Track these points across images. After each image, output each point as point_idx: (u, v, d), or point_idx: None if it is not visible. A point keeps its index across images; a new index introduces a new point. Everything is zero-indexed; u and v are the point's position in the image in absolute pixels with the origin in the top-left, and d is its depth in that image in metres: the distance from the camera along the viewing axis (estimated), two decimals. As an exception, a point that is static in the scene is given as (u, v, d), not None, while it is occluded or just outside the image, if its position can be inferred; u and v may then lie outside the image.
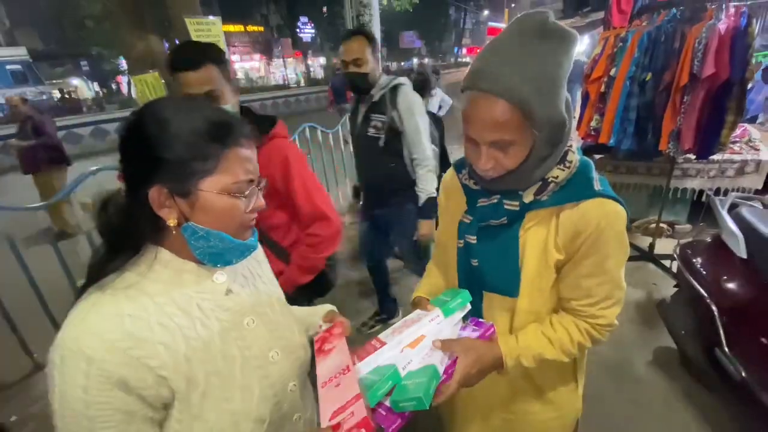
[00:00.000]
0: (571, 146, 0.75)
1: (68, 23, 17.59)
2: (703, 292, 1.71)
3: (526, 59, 0.63)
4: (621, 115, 2.57)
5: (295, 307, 0.90)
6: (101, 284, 0.56)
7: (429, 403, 0.61)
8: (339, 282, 3.02)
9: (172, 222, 0.56)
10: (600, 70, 2.70)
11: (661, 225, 3.09)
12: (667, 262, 2.82)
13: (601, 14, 6.22)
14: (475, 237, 0.82)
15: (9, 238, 2.04)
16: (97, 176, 2.15)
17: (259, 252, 0.81)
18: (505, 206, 0.76)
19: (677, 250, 2.03)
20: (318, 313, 0.88)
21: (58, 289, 2.09)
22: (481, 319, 0.83)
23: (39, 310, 2.13)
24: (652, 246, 2.98)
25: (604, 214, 0.71)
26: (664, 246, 2.95)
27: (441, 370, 0.68)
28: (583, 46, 9.60)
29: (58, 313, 2.18)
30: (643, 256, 2.99)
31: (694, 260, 1.88)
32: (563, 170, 0.73)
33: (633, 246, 3.14)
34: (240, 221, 0.61)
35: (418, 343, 0.72)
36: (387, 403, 0.64)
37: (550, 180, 0.73)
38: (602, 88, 2.69)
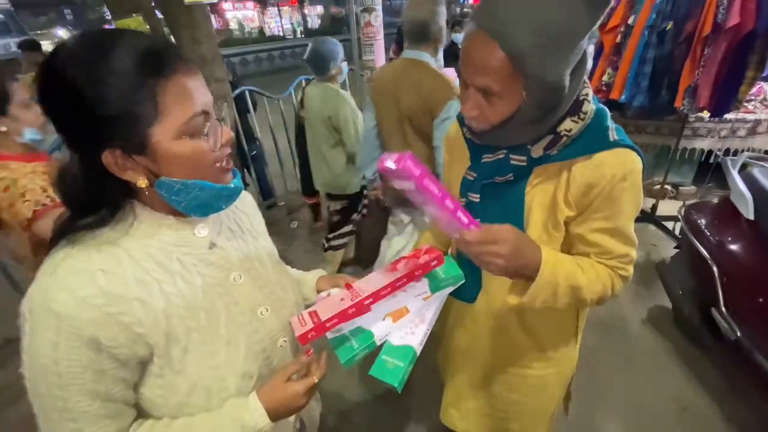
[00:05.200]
0: (587, 95, 0.68)
1: (47, -34, 16.40)
2: (704, 252, 1.70)
3: (539, 4, 0.55)
4: (636, 68, 2.43)
5: (289, 267, 0.88)
6: (71, 239, 0.52)
7: (401, 389, 0.65)
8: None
9: (142, 183, 0.51)
10: (617, 19, 2.51)
11: (666, 186, 3.04)
12: (669, 224, 2.80)
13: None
14: (478, 195, 0.77)
15: None
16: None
17: (249, 204, 0.77)
18: (512, 161, 0.71)
19: (682, 211, 1.99)
20: (307, 281, 0.85)
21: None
22: None
23: (37, 265, 2.13)
24: (654, 207, 2.94)
25: (620, 165, 0.66)
26: (667, 208, 2.92)
27: (419, 350, 0.69)
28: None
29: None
30: (645, 217, 2.96)
31: (698, 221, 1.86)
32: (577, 122, 0.66)
33: (635, 207, 3.11)
34: (212, 161, 0.55)
35: (400, 316, 0.71)
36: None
37: (562, 133, 0.67)
38: (618, 39, 2.53)
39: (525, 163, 0.70)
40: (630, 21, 2.44)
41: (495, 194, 0.75)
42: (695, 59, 2.21)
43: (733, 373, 1.65)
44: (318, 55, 1.96)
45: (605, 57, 2.66)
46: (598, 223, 0.70)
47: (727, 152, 2.96)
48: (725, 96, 2.28)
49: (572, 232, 0.74)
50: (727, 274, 1.61)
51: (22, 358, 0.50)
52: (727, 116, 2.73)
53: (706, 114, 2.68)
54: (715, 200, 1.92)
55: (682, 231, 1.97)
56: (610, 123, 0.69)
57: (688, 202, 2.05)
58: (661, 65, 2.38)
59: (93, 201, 0.53)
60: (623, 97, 2.54)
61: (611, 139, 0.67)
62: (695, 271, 1.81)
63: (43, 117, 1.23)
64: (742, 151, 2.90)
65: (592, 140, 0.67)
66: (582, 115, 0.67)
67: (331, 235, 2.38)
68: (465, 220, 0.60)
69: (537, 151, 0.69)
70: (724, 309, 1.57)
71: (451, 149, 0.88)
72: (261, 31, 20.99)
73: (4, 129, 1.16)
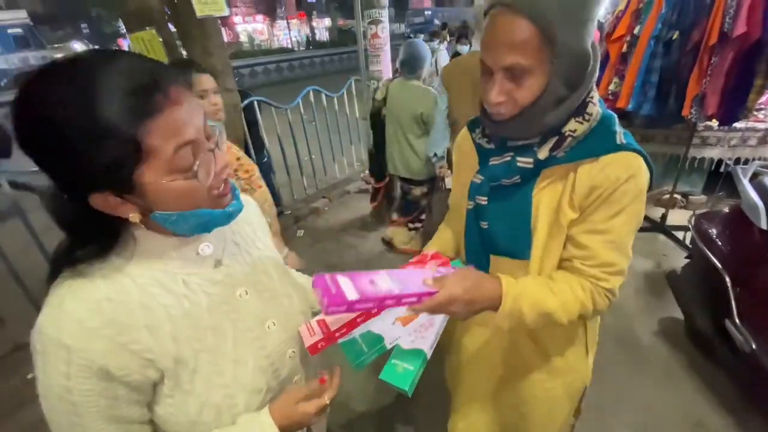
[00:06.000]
0: (592, 98, 0.69)
1: (65, -18, 16.94)
2: (716, 262, 1.67)
3: None
4: (643, 77, 2.43)
5: (296, 273, 0.87)
6: (75, 270, 0.51)
7: (411, 393, 0.63)
8: (349, 251, 3.04)
9: (135, 218, 0.49)
10: (623, 29, 2.52)
11: (675, 196, 3.00)
12: (679, 234, 2.76)
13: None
14: (485, 198, 0.78)
15: (14, 202, 2.03)
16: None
17: (252, 212, 0.76)
18: (518, 164, 0.71)
19: (692, 221, 1.97)
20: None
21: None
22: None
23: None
24: (664, 217, 2.91)
25: (625, 167, 0.66)
26: (677, 217, 2.88)
27: (429, 354, 0.68)
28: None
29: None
30: (654, 227, 2.92)
31: (709, 231, 1.83)
32: (582, 123, 0.67)
33: (645, 217, 3.07)
34: (206, 193, 0.52)
35: (410, 320, 0.71)
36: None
37: (567, 134, 0.67)
38: (624, 48, 2.54)
39: (532, 165, 0.70)
40: (636, 31, 2.45)
41: (503, 197, 0.76)
42: (702, 68, 2.21)
43: (749, 387, 1.60)
44: (414, 56, 2.20)
45: (611, 66, 2.67)
46: (592, 224, 0.69)
47: (737, 161, 2.92)
48: (733, 105, 2.26)
49: (567, 234, 0.73)
50: (741, 284, 1.58)
51: (38, 389, 0.51)
52: (737, 125, 2.71)
53: (715, 123, 2.66)
54: (726, 209, 1.89)
55: (692, 241, 1.95)
56: (618, 128, 0.70)
57: (698, 212, 2.03)
58: (667, 74, 2.38)
59: (88, 231, 0.51)
60: (630, 105, 2.54)
61: (618, 142, 0.67)
62: (707, 281, 1.78)
63: (218, 107, 1.35)
64: (753, 160, 2.87)
65: (599, 143, 0.68)
66: (587, 117, 0.67)
67: (417, 217, 2.66)
68: (414, 299, 0.61)
69: (543, 153, 0.69)
70: (738, 320, 1.53)
71: (461, 154, 0.89)
72: (308, 38, 21.04)
73: None
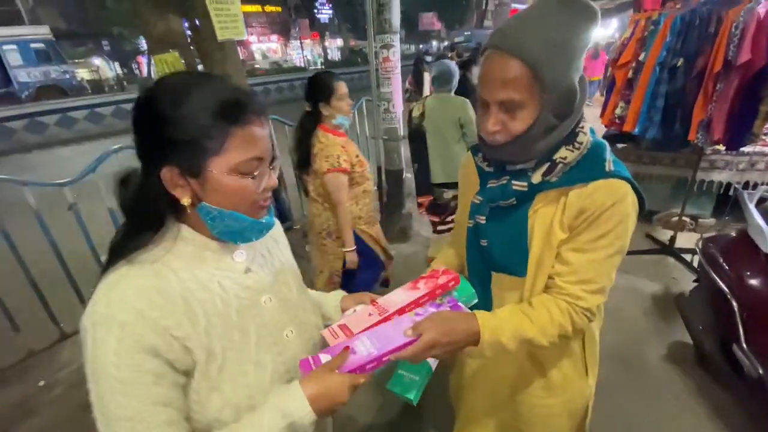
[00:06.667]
0: (582, 127, 0.74)
1: (89, 2, 17.66)
2: (724, 287, 1.67)
3: (543, 22, 0.65)
4: (648, 102, 2.47)
5: (310, 290, 0.91)
6: (129, 258, 0.57)
7: (416, 402, 0.66)
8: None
9: (186, 201, 0.58)
10: (628, 55, 2.59)
11: (684, 218, 3.00)
12: (688, 257, 2.74)
13: (631, -4, 5.90)
14: (484, 217, 0.83)
15: (36, 212, 2.11)
16: (119, 154, 2.21)
17: (276, 230, 0.81)
18: (514, 187, 0.76)
19: (700, 244, 1.97)
20: (328, 301, 0.88)
21: (84, 264, 2.20)
22: (460, 304, 0.81)
23: (65, 281, 2.22)
24: (673, 239, 2.90)
25: (611, 193, 0.70)
26: (686, 240, 2.87)
27: (434, 366, 0.71)
28: (610, 30, 9.26)
29: (83, 285, 2.27)
30: (663, 249, 2.91)
31: (716, 255, 1.83)
32: (572, 151, 0.73)
33: (653, 239, 3.07)
34: (252, 200, 0.61)
35: None
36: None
37: (558, 161, 0.73)
38: (629, 74, 2.59)
39: (526, 189, 0.75)
40: (641, 57, 2.51)
41: (501, 217, 0.81)
42: (707, 94, 2.24)
43: (756, 412, 1.57)
44: (446, 73, 2.55)
45: (617, 91, 2.72)
46: (578, 243, 0.74)
47: (746, 185, 2.92)
48: (740, 130, 2.29)
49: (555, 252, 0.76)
50: (748, 309, 1.57)
51: (87, 371, 0.53)
52: (745, 149, 2.72)
53: (722, 147, 2.68)
54: (733, 233, 1.90)
55: (700, 264, 1.94)
56: (608, 156, 0.74)
57: (705, 235, 2.03)
58: (673, 100, 2.42)
59: (145, 210, 0.58)
60: (636, 129, 2.58)
61: (607, 170, 0.72)
62: (714, 305, 1.77)
63: (349, 107, 1.82)
64: (762, 184, 2.87)
65: (590, 170, 0.73)
66: (577, 145, 0.73)
67: (444, 220, 2.82)
68: (398, 346, 0.64)
69: (536, 177, 0.74)
70: (745, 345, 1.52)
71: (465, 177, 0.94)
72: (321, 57, 21.53)
73: (327, 113, 1.76)
